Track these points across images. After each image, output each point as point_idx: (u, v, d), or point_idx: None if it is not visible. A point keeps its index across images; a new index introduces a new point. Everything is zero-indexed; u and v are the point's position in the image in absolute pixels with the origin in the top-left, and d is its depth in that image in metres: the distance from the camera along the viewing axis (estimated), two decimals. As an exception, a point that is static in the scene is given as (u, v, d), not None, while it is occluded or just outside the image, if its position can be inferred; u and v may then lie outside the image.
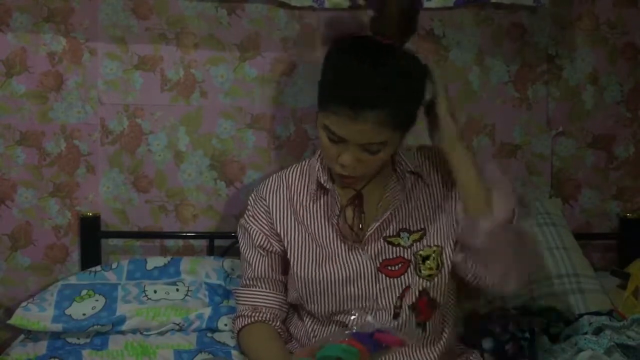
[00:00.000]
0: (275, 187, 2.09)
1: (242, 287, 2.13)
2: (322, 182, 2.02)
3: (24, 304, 2.35)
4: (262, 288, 2.09)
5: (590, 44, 2.70)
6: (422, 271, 1.97)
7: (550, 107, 2.72)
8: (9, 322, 2.31)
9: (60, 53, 2.58)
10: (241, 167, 2.67)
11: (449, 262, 1.99)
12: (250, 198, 2.13)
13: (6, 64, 2.57)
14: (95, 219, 2.63)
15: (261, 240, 2.07)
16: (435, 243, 1.99)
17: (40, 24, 2.56)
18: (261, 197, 2.10)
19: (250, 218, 2.10)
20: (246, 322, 2.08)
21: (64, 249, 2.65)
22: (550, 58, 2.70)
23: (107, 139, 2.63)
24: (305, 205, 2.04)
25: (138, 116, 2.63)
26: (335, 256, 1.99)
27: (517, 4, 2.58)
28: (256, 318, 2.07)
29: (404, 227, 2.00)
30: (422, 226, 2.01)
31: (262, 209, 2.08)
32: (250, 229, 2.09)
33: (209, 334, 2.31)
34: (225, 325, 2.31)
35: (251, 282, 2.10)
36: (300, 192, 2.06)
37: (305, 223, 2.03)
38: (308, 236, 2.02)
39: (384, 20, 1.87)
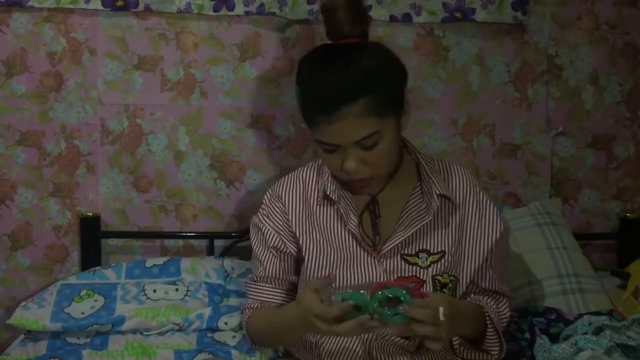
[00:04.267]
0: (292, 186, 2.07)
1: (252, 281, 2.11)
2: (329, 192, 2.00)
3: (23, 303, 2.35)
4: (272, 286, 2.07)
5: (590, 44, 2.70)
6: None
7: (550, 107, 2.72)
8: (8, 321, 2.31)
9: (60, 53, 2.58)
10: (241, 167, 2.67)
11: (459, 297, 1.97)
12: (266, 197, 2.11)
13: (6, 64, 2.57)
14: (95, 219, 2.63)
15: (275, 241, 2.05)
16: (453, 273, 1.96)
17: (40, 24, 2.56)
18: (277, 196, 2.07)
19: (265, 217, 2.08)
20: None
21: (64, 249, 2.65)
22: (550, 58, 2.70)
23: (107, 139, 2.63)
24: (321, 207, 2.02)
25: (138, 116, 2.63)
26: (350, 261, 1.97)
27: (498, 22, 2.62)
28: None
29: (424, 248, 1.97)
30: (443, 248, 1.97)
31: (278, 209, 2.06)
32: (264, 229, 2.06)
33: (209, 334, 2.31)
34: (226, 324, 2.31)
35: (261, 280, 2.08)
36: (315, 193, 2.04)
37: (321, 225, 2.01)
38: (323, 239, 2.00)
39: (335, 21, 1.90)
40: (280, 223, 2.05)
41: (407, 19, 2.61)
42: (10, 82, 2.57)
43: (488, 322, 1.92)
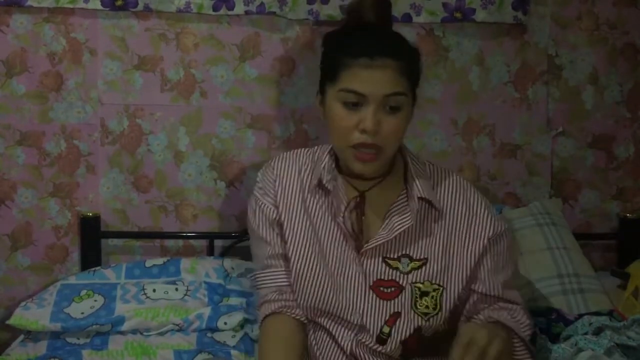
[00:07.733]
0: (288, 163, 2.03)
1: (260, 269, 2.02)
2: (324, 181, 1.96)
3: (23, 303, 2.35)
4: (284, 266, 1.98)
5: (590, 44, 2.70)
6: (419, 307, 1.90)
7: (550, 107, 2.72)
8: (8, 322, 2.31)
9: (60, 53, 2.58)
10: (241, 167, 2.67)
11: (448, 306, 1.92)
12: (260, 172, 2.06)
13: (6, 64, 2.57)
14: (95, 219, 2.63)
15: (275, 213, 1.99)
16: (438, 281, 1.91)
17: (40, 24, 2.56)
18: (271, 168, 2.03)
19: (260, 191, 2.02)
20: (273, 309, 1.96)
21: (64, 249, 2.65)
22: (550, 58, 2.70)
23: (107, 139, 2.63)
24: (313, 195, 1.98)
25: (138, 116, 2.63)
26: (333, 254, 1.93)
27: (498, 22, 2.63)
28: (282, 304, 1.95)
29: (407, 252, 1.93)
30: (425, 256, 1.92)
31: (270, 180, 2.01)
32: (262, 205, 2.00)
33: (209, 334, 2.31)
34: (225, 324, 2.31)
35: (271, 262, 1.98)
36: (309, 180, 2.00)
37: (310, 213, 1.97)
38: (310, 226, 1.96)
39: (362, 10, 1.94)
40: (273, 194, 2.01)
41: (407, 19, 2.61)
42: (10, 82, 2.57)
43: (515, 341, 1.88)
